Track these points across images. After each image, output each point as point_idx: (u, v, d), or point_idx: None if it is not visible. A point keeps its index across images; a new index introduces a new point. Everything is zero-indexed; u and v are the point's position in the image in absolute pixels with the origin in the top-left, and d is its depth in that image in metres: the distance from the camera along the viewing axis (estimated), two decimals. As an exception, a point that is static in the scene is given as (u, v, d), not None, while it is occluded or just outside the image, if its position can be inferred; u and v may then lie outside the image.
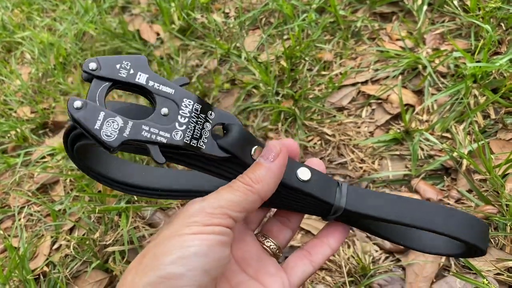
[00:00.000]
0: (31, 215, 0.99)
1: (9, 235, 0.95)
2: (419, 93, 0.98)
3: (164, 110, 0.37)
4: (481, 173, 0.80)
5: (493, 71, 0.91)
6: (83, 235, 0.91)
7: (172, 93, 0.38)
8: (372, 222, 0.47)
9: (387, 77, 1.02)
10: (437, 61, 0.99)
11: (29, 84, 1.31)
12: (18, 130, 1.15)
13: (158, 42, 1.30)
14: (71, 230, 0.94)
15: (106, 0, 1.47)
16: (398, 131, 0.92)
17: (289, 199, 0.44)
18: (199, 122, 0.38)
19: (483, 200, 0.78)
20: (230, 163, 0.41)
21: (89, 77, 0.36)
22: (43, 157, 1.09)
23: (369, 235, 0.82)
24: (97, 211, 0.88)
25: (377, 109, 0.99)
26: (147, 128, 0.36)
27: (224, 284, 0.42)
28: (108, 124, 0.35)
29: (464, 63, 0.95)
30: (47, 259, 0.89)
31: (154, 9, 1.40)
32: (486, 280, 0.67)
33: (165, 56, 1.21)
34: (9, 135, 1.17)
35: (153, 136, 0.36)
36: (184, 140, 0.37)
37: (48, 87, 1.29)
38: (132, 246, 0.86)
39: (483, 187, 0.80)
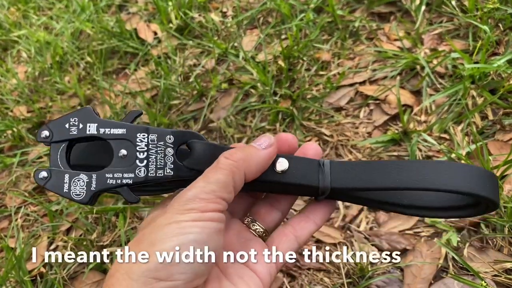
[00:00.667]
0: (28, 215, 0.99)
1: (5, 236, 0.94)
2: (417, 93, 0.98)
3: (122, 152, 0.39)
4: (479, 174, 0.80)
5: (491, 72, 0.91)
6: (80, 235, 0.91)
7: (124, 132, 0.39)
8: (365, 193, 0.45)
9: (385, 77, 1.02)
10: (435, 61, 0.99)
11: (25, 83, 1.30)
12: (15, 129, 1.14)
13: (155, 41, 1.29)
14: (68, 230, 0.94)
15: (103, -1, 1.46)
16: (396, 132, 0.92)
17: (274, 189, 0.44)
18: (159, 152, 0.39)
19: (481, 202, 0.78)
20: None
21: (47, 143, 0.40)
22: (40, 157, 1.08)
23: (367, 236, 0.82)
24: (94, 211, 0.88)
25: (375, 109, 0.99)
26: (111, 175, 0.38)
27: (214, 269, 0.41)
28: (75, 184, 0.38)
29: (462, 64, 0.95)
30: (44, 260, 0.88)
31: (151, 7, 1.40)
32: (484, 282, 0.68)
33: (162, 55, 1.21)
34: (5, 134, 1.16)
35: (119, 181, 0.38)
36: (149, 175, 0.39)
37: (45, 86, 1.28)
38: (129, 247, 0.85)
39: (481, 188, 0.80)
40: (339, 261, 0.79)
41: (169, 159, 0.40)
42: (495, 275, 0.70)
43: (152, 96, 1.15)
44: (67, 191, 0.38)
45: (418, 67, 1.00)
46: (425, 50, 1.03)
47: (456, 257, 0.73)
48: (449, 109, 0.92)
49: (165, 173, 0.39)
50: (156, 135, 0.40)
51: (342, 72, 1.04)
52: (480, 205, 0.41)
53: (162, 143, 0.40)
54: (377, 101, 0.99)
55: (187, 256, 0.34)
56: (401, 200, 0.44)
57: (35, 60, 1.35)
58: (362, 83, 1.03)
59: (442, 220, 0.79)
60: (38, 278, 0.87)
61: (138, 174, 0.38)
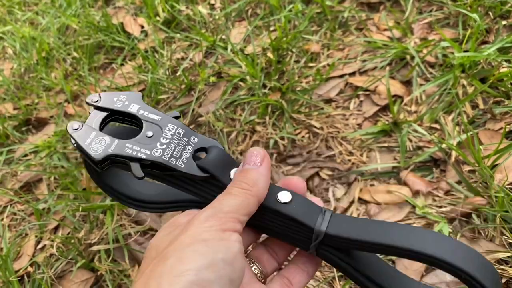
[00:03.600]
0: (15, 214, 0.97)
1: (-8, 235, 0.93)
2: (407, 83, 0.97)
3: (149, 133, 0.42)
4: (470, 164, 0.79)
5: (481, 61, 0.90)
6: (68, 234, 0.89)
7: (159, 119, 0.43)
8: (359, 260, 0.43)
9: (375, 68, 1.01)
10: (425, 51, 0.98)
11: (11, 80, 1.28)
12: (0, 127, 1.13)
13: (142, 35, 1.27)
14: (55, 229, 0.92)
15: (89, -7, 1.44)
16: (387, 122, 0.91)
17: (271, 222, 0.44)
18: (180, 144, 0.42)
19: (473, 192, 0.78)
20: (209, 185, 0.43)
21: (93, 106, 0.43)
22: (26, 155, 1.07)
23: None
24: (81, 209, 0.87)
25: (365, 100, 0.97)
26: (130, 146, 0.40)
27: None
28: (97, 142, 0.40)
29: (452, 53, 0.94)
30: (31, 259, 0.87)
31: (138, 1, 1.38)
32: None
33: (149, 49, 1.19)
34: (-9, 132, 1.15)
35: (134, 153, 0.40)
36: (163, 157, 0.40)
37: (31, 82, 1.26)
38: (117, 245, 0.84)
39: (472, 178, 0.79)
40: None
41: (185, 154, 0.41)
42: (487, 266, 0.69)
43: (139, 90, 1.13)
44: (87, 144, 0.40)
45: (408, 57, 0.99)
46: (415, 39, 1.02)
47: (447, 248, 0.72)
48: (440, 98, 0.91)
49: (177, 163, 0.41)
50: (184, 131, 0.43)
51: (331, 63, 1.03)
52: None
53: (186, 139, 0.42)
54: (367, 92, 0.98)
55: (219, 277, 0.33)
56: (390, 285, 0.43)
57: (20, 56, 1.33)
58: (352, 74, 1.02)
59: (433, 210, 0.78)
60: (26, 277, 0.85)
61: (153, 153, 0.40)
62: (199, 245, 0.35)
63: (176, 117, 0.44)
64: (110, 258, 0.83)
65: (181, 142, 0.42)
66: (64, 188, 0.95)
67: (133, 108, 0.43)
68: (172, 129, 0.42)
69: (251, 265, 0.45)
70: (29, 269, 0.86)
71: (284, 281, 0.44)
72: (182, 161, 0.41)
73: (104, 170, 0.41)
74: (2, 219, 0.96)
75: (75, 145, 0.41)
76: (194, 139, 0.43)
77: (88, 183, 0.92)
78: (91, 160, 0.40)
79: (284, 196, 0.41)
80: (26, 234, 0.92)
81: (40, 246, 0.90)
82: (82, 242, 0.85)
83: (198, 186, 0.43)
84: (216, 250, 0.34)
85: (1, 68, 1.32)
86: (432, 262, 0.36)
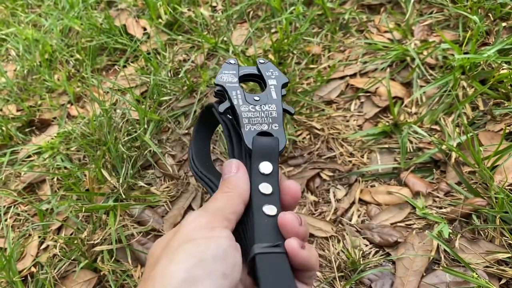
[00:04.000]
0: (18, 215, 0.98)
1: (-5, 236, 0.94)
2: (407, 85, 0.97)
3: (257, 97, 0.48)
4: (470, 165, 0.80)
5: (481, 62, 0.91)
6: (71, 234, 0.90)
7: (274, 97, 0.48)
8: None
9: (376, 69, 1.01)
10: (425, 52, 0.99)
11: (14, 81, 1.29)
12: (4, 128, 1.13)
13: (144, 37, 1.28)
14: (58, 229, 0.93)
15: (91, -5, 1.45)
16: (387, 124, 0.92)
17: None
18: (263, 119, 0.47)
19: (472, 193, 0.78)
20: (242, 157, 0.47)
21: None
22: (29, 156, 1.08)
23: (358, 229, 0.81)
24: (84, 210, 0.87)
25: (365, 102, 0.98)
26: (238, 92, 0.48)
27: None
28: (228, 76, 0.50)
29: (453, 55, 0.95)
30: (35, 259, 0.88)
31: (140, 3, 1.39)
32: (476, 273, 0.67)
33: (152, 51, 1.20)
34: (-6, 134, 1.15)
35: (234, 97, 0.48)
36: (242, 113, 0.47)
37: (34, 84, 1.27)
38: (120, 245, 0.85)
39: (472, 180, 0.80)
40: (331, 255, 0.79)
41: (256, 127, 0.47)
42: (487, 266, 0.70)
43: (141, 92, 1.14)
44: (221, 71, 0.50)
45: (408, 58, 0.99)
46: (415, 41, 1.03)
47: (447, 249, 0.72)
48: (440, 100, 0.92)
49: (245, 128, 0.46)
50: (276, 116, 0.47)
51: (332, 65, 1.04)
52: None
53: (270, 121, 0.47)
54: (368, 94, 0.99)
55: (210, 272, 0.34)
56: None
57: (23, 58, 1.34)
58: (353, 75, 1.03)
59: (434, 211, 0.79)
60: (29, 278, 0.86)
61: (242, 108, 0.47)
62: (188, 245, 0.36)
63: (288, 112, 0.48)
64: (113, 259, 0.84)
65: (265, 118, 0.47)
66: (67, 189, 0.96)
67: (271, 82, 0.50)
68: (270, 107, 0.48)
69: None
70: (33, 269, 0.87)
71: None
72: (250, 127, 0.46)
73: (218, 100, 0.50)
74: (6, 220, 0.96)
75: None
76: (275, 127, 0.47)
77: (91, 184, 0.93)
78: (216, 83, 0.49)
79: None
80: (30, 235, 0.93)
81: (43, 246, 0.91)
82: (85, 243, 0.86)
83: (235, 143, 0.48)
84: (205, 247, 0.35)
85: (4, 70, 1.33)
86: None
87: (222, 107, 0.48)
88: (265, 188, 0.44)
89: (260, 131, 0.47)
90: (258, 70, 0.52)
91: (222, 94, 0.50)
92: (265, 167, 0.45)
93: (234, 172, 0.44)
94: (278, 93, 0.49)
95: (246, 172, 0.44)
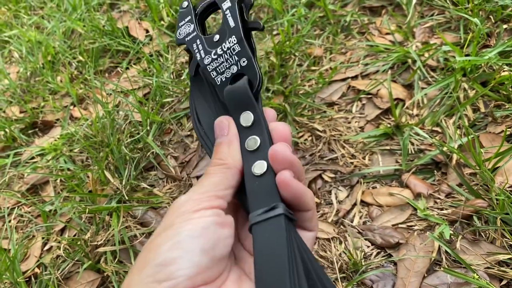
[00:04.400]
0: (22, 216, 0.99)
1: (-1, 237, 0.94)
2: (409, 87, 0.98)
3: (216, 37, 0.44)
4: (471, 167, 0.80)
5: (483, 64, 0.91)
6: (74, 235, 0.91)
7: (231, 26, 0.44)
8: None
9: (377, 71, 1.02)
10: (426, 54, 0.99)
11: (17, 83, 1.30)
12: (7, 130, 1.14)
13: (147, 39, 1.29)
14: (62, 230, 0.94)
15: (94, -3, 1.45)
16: (389, 125, 0.92)
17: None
18: (228, 61, 0.43)
19: (473, 194, 0.78)
20: (221, 109, 0.45)
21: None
22: (33, 158, 1.08)
23: (360, 230, 0.82)
24: (87, 211, 0.88)
25: (367, 104, 0.98)
26: (198, 43, 0.45)
27: (237, 270, 0.40)
28: (186, 27, 0.47)
29: (454, 57, 0.95)
30: (38, 260, 0.88)
31: (142, 5, 1.39)
32: (476, 274, 0.68)
33: (154, 53, 1.20)
34: (-2, 135, 1.16)
35: (196, 51, 0.45)
36: (207, 67, 0.44)
37: (37, 86, 1.27)
38: (123, 246, 0.85)
39: (473, 181, 0.80)
40: (332, 256, 0.79)
41: (227, 73, 0.44)
42: (488, 267, 0.70)
43: (144, 94, 1.14)
44: (179, 25, 0.48)
45: (409, 60, 1.00)
46: (417, 43, 1.03)
47: (448, 250, 0.73)
48: (441, 102, 0.92)
49: (215, 79, 0.44)
50: (240, 49, 0.44)
51: (334, 67, 1.04)
52: None
53: (237, 58, 0.44)
54: (369, 96, 0.99)
55: (185, 251, 0.34)
56: None
57: (26, 60, 1.34)
58: (354, 77, 1.03)
59: (435, 213, 0.79)
60: (33, 278, 0.87)
61: (204, 60, 0.45)
62: (166, 232, 0.36)
63: (256, 29, 0.44)
64: (116, 260, 0.84)
65: (230, 59, 0.43)
66: (70, 190, 0.96)
67: (225, 5, 0.45)
68: (230, 42, 0.43)
69: None
70: (36, 270, 0.87)
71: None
72: (220, 78, 0.43)
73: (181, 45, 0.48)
74: (10, 221, 0.97)
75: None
76: (244, 62, 0.43)
77: (94, 186, 0.94)
78: (176, 37, 0.48)
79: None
80: (33, 236, 0.93)
81: (47, 247, 0.91)
82: (88, 244, 0.86)
83: (215, 104, 0.46)
84: (181, 230, 0.35)
85: (7, 72, 1.34)
86: None
87: (191, 69, 0.46)
88: (252, 142, 0.41)
89: (231, 77, 0.43)
90: None
91: (189, 50, 0.47)
92: (245, 118, 0.42)
93: (225, 135, 0.42)
94: (235, 15, 0.44)
95: (236, 132, 0.42)
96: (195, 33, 0.46)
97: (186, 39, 0.46)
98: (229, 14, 0.44)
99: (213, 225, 0.36)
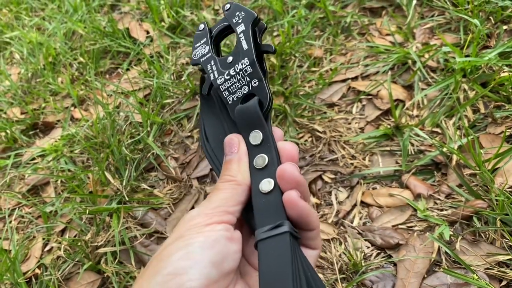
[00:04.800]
0: (23, 217, 0.99)
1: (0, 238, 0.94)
2: (409, 88, 0.98)
3: (230, 59, 0.46)
4: (471, 168, 0.80)
5: (482, 65, 0.91)
6: (75, 236, 0.91)
7: (245, 48, 0.45)
8: None
9: (377, 72, 1.02)
10: (426, 55, 0.99)
11: (18, 84, 1.30)
12: (8, 131, 1.14)
13: (147, 40, 1.29)
14: (62, 231, 0.94)
15: (95, -1, 1.46)
16: (389, 126, 0.92)
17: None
18: (241, 82, 0.45)
19: (473, 195, 0.78)
20: (233, 127, 0.46)
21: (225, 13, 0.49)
22: (33, 159, 1.08)
23: (360, 231, 0.82)
24: (88, 212, 0.88)
25: (367, 105, 0.99)
26: (212, 63, 0.47)
27: (242, 285, 0.41)
28: (201, 48, 0.48)
29: (454, 58, 0.95)
30: (39, 261, 0.88)
31: (143, 7, 1.40)
32: (476, 275, 0.68)
33: (155, 54, 1.21)
34: (-1, 136, 1.16)
35: (210, 71, 0.47)
36: (220, 87, 0.45)
37: (38, 87, 1.28)
38: (124, 247, 0.86)
39: (473, 182, 0.80)
40: (332, 257, 0.79)
41: (239, 93, 0.45)
42: (488, 268, 0.70)
43: (145, 95, 1.15)
44: (195, 46, 0.49)
45: (409, 61, 1.00)
46: (417, 44, 1.03)
47: (448, 251, 0.73)
48: (441, 103, 0.92)
49: (227, 98, 0.46)
50: (252, 71, 0.45)
51: (334, 68, 1.04)
52: None
53: (248, 79, 0.45)
54: (370, 97, 0.99)
55: (196, 262, 0.34)
56: None
57: (27, 61, 1.35)
58: (354, 78, 1.03)
59: (435, 213, 0.79)
60: (33, 279, 0.87)
61: (217, 80, 0.47)
62: (177, 242, 0.36)
63: (268, 52, 0.46)
64: (116, 260, 0.84)
65: (242, 80, 0.45)
66: (70, 191, 0.96)
67: (239, 29, 0.46)
68: (243, 64, 0.45)
69: None
70: (37, 271, 0.88)
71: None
72: (232, 97, 0.45)
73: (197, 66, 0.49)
74: (10, 222, 0.97)
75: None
76: (255, 83, 0.44)
77: (95, 186, 0.94)
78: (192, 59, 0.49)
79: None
80: (34, 237, 0.93)
81: (47, 248, 0.92)
82: (88, 245, 0.87)
83: (228, 124, 0.47)
84: (192, 241, 0.36)
85: (8, 73, 1.34)
86: None
87: (204, 89, 0.47)
88: (261, 160, 0.42)
89: (243, 97, 0.45)
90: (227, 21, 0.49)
91: (203, 70, 0.49)
92: (254, 136, 0.43)
93: (235, 152, 0.43)
94: (248, 39, 0.46)
95: (245, 149, 0.43)
96: (209, 54, 0.47)
97: (201, 59, 0.47)
98: (243, 37, 0.46)
99: (223, 239, 0.37)
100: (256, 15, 0.47)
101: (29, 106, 1.22)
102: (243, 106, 0.44)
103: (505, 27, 0.97)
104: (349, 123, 0.96)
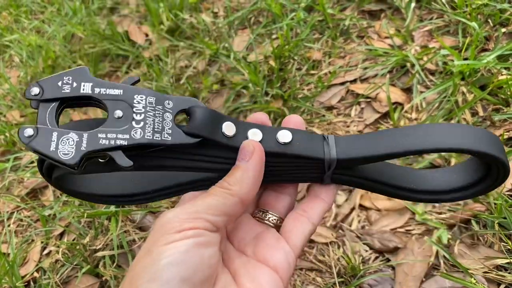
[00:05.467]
0: (21, 220, 0.99)
1: (-1, 241, 0.94)
2: (407, 91, 0.98)
3: (118, 113, 0.36)
4: (469, 171, 0.80)
5: (481, 68, 0.91)
6: (73, 240, 0.91)
7: (121, 93, 0.36)
8: (373, 170, 0.43)
9: (376, 75, 1.02)
10: (425, 58, 0.99)
11: (18, 87, 1.30)
12: (7, 134, 1.14)
13: (147, 43, 1.29)
14: (61, 235, 0.94)
15: (94, 1, 1.46)
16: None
17: (278, 168, 0.42)
18: (157, 115, 0.37)
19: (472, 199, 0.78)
20: (206, 149, 0.39)
21: (36, 103, 0.36)
22: (32, 162, 1.08)
23: (358, 234, 0.82)
24: (86, 215, 0.88)
25: (366, 108, 0.99)
26: (103, 136, 0.35)
27: (223, 276, 0.38)
28: (63, 143, 0.34)
29: (453, 60, 0.95)
30: (37, 264, 0.89)
31: (143, 9, 1.40)
32: (474, 279, 0.68)
33: (154, 57, 1.21)
34: (-2, 139, 1.17)
35: (112, 142, 0.35)
36: (146, 136, 0.35)
37: (37, 90, 1.28)
38: (122, 251, 0.86)
39: (471, 185, 0.80)
40: (331, 260, 0.79)
41: (167, 124, 0.37)
42: (486, 272, 0.70)
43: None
44: (53, 149, 0.34)
45: (408, 64, 1.00)
46: (416, 47, 1.03)
47: (446, 255, 0.73)
48: (440, 106, 0.92)
49: (163, 138, 0.36)
50: (155, 98, 0.37)
51: (333, 71, 1.04)
52: (489, 176, 0.40)
53: (160, 107, 0.37)
54: (368, 100, 0.99)
55: (162, 284, 0.32)
56: (409, 184, 0.43)
57: (27, 64, 1.35)
58: (353, 81, 1.03)
59: (433, 217, 0.79)
60: (32, 283, 0.87)
61: (134, 136, 0.35)
62: (146, 259, 0.33)
63: (136, 82, 0.38)
64: (115, 264, 0.84)
65: (157, 112, 0.37)
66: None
67: (86, 88, 0.36)
68: (141, 100, 0.37)
69: (261, 215, 0.44)
70: (35, 274, 0.88)
71: (298, 212, 0.43)
72: (166, 133, 0.37)
73: (81, 171, 0.35)
74: (9, 225, 0.97)
75: (37, 154, 0.35)
76: (168, 104, 0.38)
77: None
78: (66, 166, 0.34)
79: (284, 137, 0.39)
80: (32, 240, 0.94)
81: (46, 252, 0.92)
82: (87, 248, 0.87)
83: (196, 158, 0.39)
84: (159, 257, 0.33)
85: (8, 76, 1.34)
86: (450, 151, 0.38)
87: (124, 161, 0.35)
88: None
89: (173, 121, 0.38)
90: (55, 99, 0.36)
91: (105, 163, 0.37)
92: (228, 128, 0.39)
93: (245, 160, 0.38)
94: (108, 84, 0.37)
95: (258, 161, 0.38)
96: (85, 135, 0.35)
97: (82, 148, 0.34)
98: (102, 90, 0.36)
99: (195, 248, 0.34)
100: (85, 66, 0.38)
101: (28, 109, 1.22)
102: (198, 118, 0.37)
103: (503, 29, 0.97)
104: (348, 126, 0.96)
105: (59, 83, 0.36)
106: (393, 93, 0.96)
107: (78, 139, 0.34)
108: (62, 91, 0.36)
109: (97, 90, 0.36)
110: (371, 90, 0.99)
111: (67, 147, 0.34)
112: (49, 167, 0.39)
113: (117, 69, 1.26)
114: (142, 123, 0.36)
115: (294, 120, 0.43)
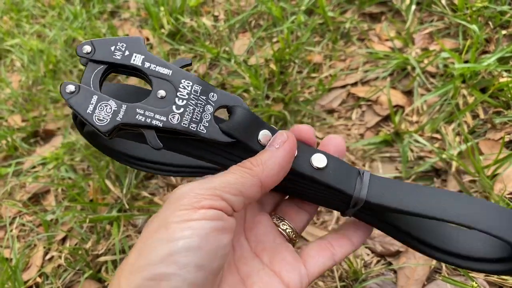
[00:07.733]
0: (23, 225, 0.99)
1: (0, 246, 0.94)
2: (408, 94, 0.98)
3: (161, 93, 0.36)
4: (471, 174, 0.80)
5: (482, 71, 0.91)
6: (75, 245, 0.91)
7: (169, 74, 0.36)
8: (399, 218, 0.41)
9: (377, 78, 1.02)
10: (426, 61, 0.99)
11: (19, 92, 1.31)
12: (9, 139, 1.15)
13: (147, 47, 1.29)
14: (63, 240, 0.94)
15: (95, 6, 1.46)
16: (388, 133, 0.92)
17: (304, 188, 0.41)
18: (199, 105, 0.36)
19: (473, 201, 0.78)
20: (236, 150, 0.38)
21: (85, 61, 0.36)
22: (34, 167, 1.09)
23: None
24: (88, 220, 0.88)
25: (367, 111, 0.99)
26: (141, 112, 0.35)
27: (231, 275, 0.38)
28: (101, 108, 0.34)
29: (453, 63, 0.95)
30: (40, 270, 0.89)
31: (143, 13, 1.40)
32: (475, 283, 0.68)
33: (154, 61, 1.21)
34: (0, 144, 1.17)
35: (148, 120, 0.35)
36: (182, 124, 0.35)
37: (39, 95, 1.28)
38: (124, 255, 0.86)
39: (472, 188, 0.80)
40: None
41: (206, 116, 0.36)
42: (487, 275, 0.70)
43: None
44: (90, 112, 0.34)
45: (409, 67, 1.00)
46: (416, 50, 1.03)
47: (448, 258, 0.73)
48: (440, 109, 0.92)
49: (198, 129, 0.36)
50: (201, 87, 0.37)
51: (333, 74, 1.04)
52: None
53: (204, 97, 0.37)
54: (369, 103, 0.99)
55: (179, 267, 0.30)
56: (432, 239, 0.40)
57: (28, 68, 1.35)
58: (354, 84, 1.04)
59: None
60: (34, 288, 0.87)
61: (171, 120, 0.35)
62: (161, 232, 0.32)
63: (187, 65, 0.38)
64: (117, 269, 0.84)
65: (199, 102, 0.36)
66: (71, 199, 0.97)
67: (137, 60, 0.36)
68: (188, 86, 0.36)
69: (278, 222, 0.43)
70: (38, 279, 0.88)
71: (325, 243, 0.42)
72: (203, 125, 0.36)
73: (111, 138, 0.36)
74: (11, 230, 0.98)
75: (73, 111, 0.35)
76: (213, 96, 0.37)
77: (95, 195, 0.94)
78: (98, 131, 0.34)
79: (318, 161, 0.38)
80: (35, 245, 0.94)
81: (48, 257, 0.92)
82: (89, 253, 0.87)
83: (222, 154, 0.39)
84: (177, 236, 0.31)
85: (9, 81, 1.35)
86: (481, 231, 0.35)
87: (155, 143, 0.35)
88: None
89: (213, 115, 0.37)
90: (105, 62, 0.37)
91: (137, 134, 0.37)
92: (264, 137, 0.38)
93: (274, 147, 0.37)
94: (160, 62, 0.37)
95: (288, 152, 0.37)
96: (124, 106, 0.35)
97: (117, 119, 0.34)
98: (152, 66, 0.37)
99: (213, 233, 0.32)
100: (141, 37, 0.38)
101: (30, 113, 1.22)
102: (237, 120, 0.37)
103: (504, 32, 0.97)
104: (349, 129, 0.97)
105: (112, 48, 0.36)
106: (394, 96, 0.96)
107: (116, 108, 0.34)
108: (113, 56, 0.36)
109: (147, 64, 0.36)
110: (372, 93, 0.99)
111: (103, 113, 0.34)
112: (83, 121, 0.39)
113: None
114: (182, 109, 0.36)
115: (335, 142, 0.42)
